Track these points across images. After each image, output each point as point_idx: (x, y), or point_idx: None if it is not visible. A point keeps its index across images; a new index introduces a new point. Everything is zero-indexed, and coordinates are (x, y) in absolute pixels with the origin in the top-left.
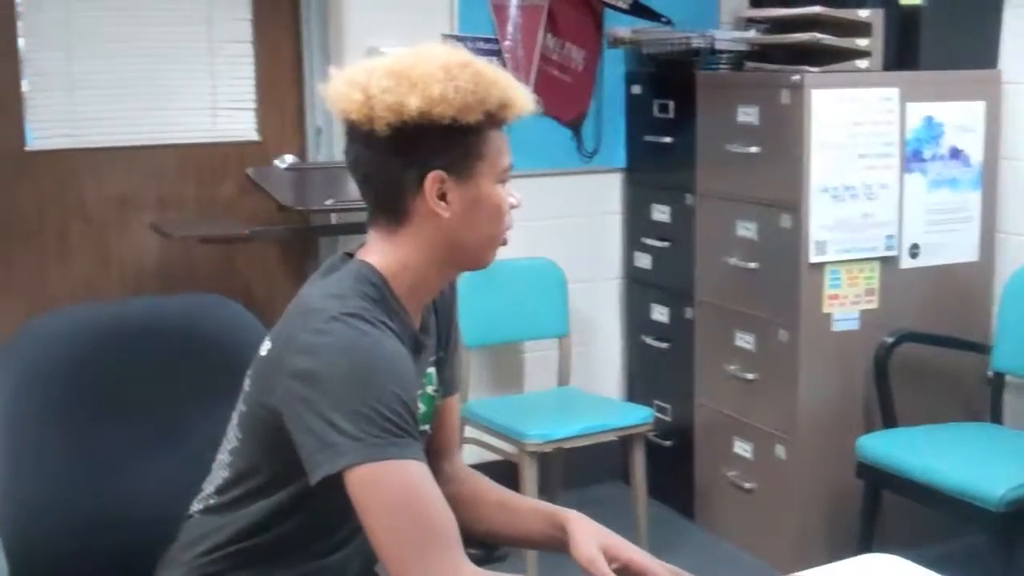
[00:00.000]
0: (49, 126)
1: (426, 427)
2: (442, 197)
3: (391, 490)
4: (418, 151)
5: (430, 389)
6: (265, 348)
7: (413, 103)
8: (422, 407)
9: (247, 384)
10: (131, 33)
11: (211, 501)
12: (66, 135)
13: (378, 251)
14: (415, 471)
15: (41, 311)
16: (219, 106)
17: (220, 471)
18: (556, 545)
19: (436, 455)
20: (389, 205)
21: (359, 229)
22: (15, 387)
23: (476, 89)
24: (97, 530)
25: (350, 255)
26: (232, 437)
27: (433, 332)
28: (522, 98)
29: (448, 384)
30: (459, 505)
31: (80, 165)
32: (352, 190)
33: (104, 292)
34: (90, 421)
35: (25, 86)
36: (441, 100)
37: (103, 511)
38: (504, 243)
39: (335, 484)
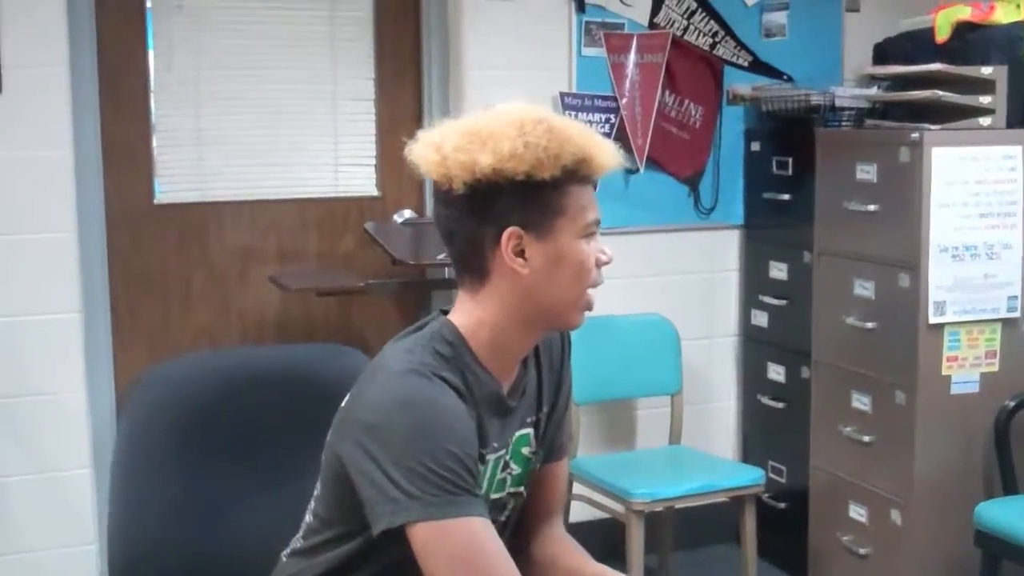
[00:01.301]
0: (176, 180)
1: (520, 488)
2: (520, 254)
3: (454, 548)
4: (494, 208)
5: (526, 451)
6: (345, 400)
7: (484, 160)
8: (517, 468)
9: (329, 434)
10: (257, 91)
11: (297, 545)
12: (193, 189)
13: (461, 309)
14: (477, 528)
15: (161, 359)
16: (341, 162)
17: (307, 516)
18: None
19: (536, 519)
20: (470, 263)
21: None
22: (136, 429)
23: (549, 145)
24: (203, 571)
25: (446, 311)
26: (317, 484)
27: (532, 391)
28: (603, 153)
29: (552, 449)
30: (536, 568)
31: (205, 218)
32: None
33: (223, 342)
34: (206, 464)
35: (155, 142)
36: (511, 156)
37: (211, 552)
38: (590, 307)
39: (401, 536)
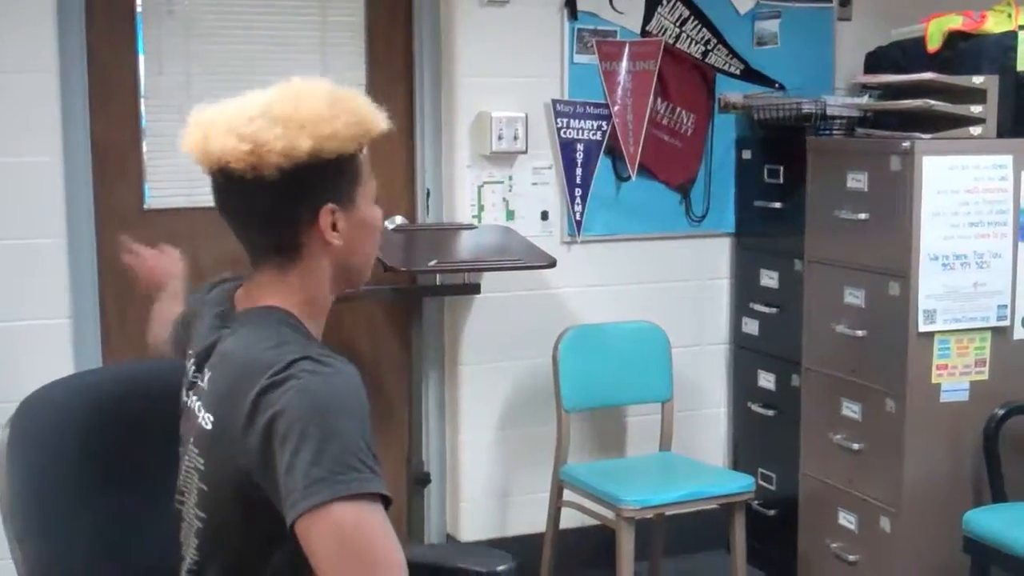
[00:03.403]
0: (166, 186)
1: None
2: (333, 227)
3: (333, 533)
4: (311, 189)
5: None
6: (207, 421)
7: (305, 145)
8: None
9: (199, 463)
10: None
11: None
12: (183, 194)
13: (279, 292)
14: (362, 512)
15: None
16: None
17: (190, 553)
18: None
19: None
20: (282, 244)
21: (463, 290)
22: (27, 464)
23: (360, 120)
24: None
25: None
26: (193, 519)
27: None
28: (384, 120)
29: None
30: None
31: (195, 224)
32: (457, 251)
33: None
34: (112, 486)
35: (145, 147)
36: (331, 137)
37: (129, 571)
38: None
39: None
